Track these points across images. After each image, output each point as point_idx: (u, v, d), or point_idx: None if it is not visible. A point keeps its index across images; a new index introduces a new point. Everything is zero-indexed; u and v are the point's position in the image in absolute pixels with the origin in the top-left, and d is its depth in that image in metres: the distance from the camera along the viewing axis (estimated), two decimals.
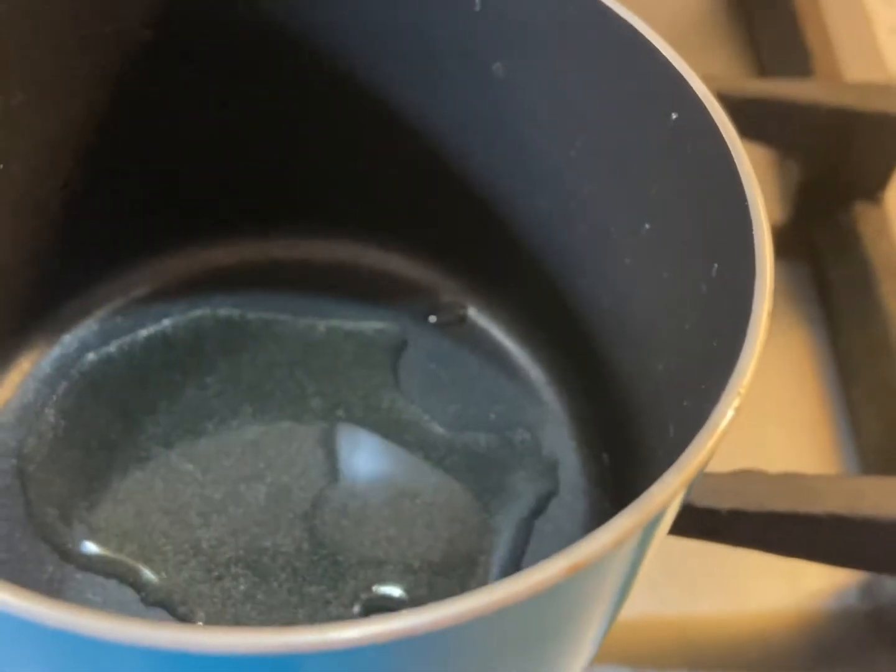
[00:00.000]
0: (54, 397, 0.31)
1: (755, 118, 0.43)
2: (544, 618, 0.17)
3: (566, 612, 0.18)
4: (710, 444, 0.17)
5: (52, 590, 0.27)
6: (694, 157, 0.23)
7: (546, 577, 0.15)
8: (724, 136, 0.22)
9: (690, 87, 0.23)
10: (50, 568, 0.28)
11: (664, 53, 0.24)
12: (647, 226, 0.26)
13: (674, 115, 0.24)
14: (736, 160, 0.21)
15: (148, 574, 0.28)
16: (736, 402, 0.17)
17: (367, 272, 0.35)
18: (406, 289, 0.35)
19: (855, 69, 0.45)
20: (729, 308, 0.21)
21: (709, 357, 0.22)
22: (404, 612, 0.14)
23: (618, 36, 0.25)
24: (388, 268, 0.35)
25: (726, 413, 0.17)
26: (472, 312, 0.35)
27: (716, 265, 0.22)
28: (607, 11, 0.25)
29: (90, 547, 0.28)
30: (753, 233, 0.20)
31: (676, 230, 0.25)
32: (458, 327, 0.35)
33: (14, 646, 0.17)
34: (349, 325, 0.34)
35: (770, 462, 0.30)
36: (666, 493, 0.16)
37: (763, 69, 0.50)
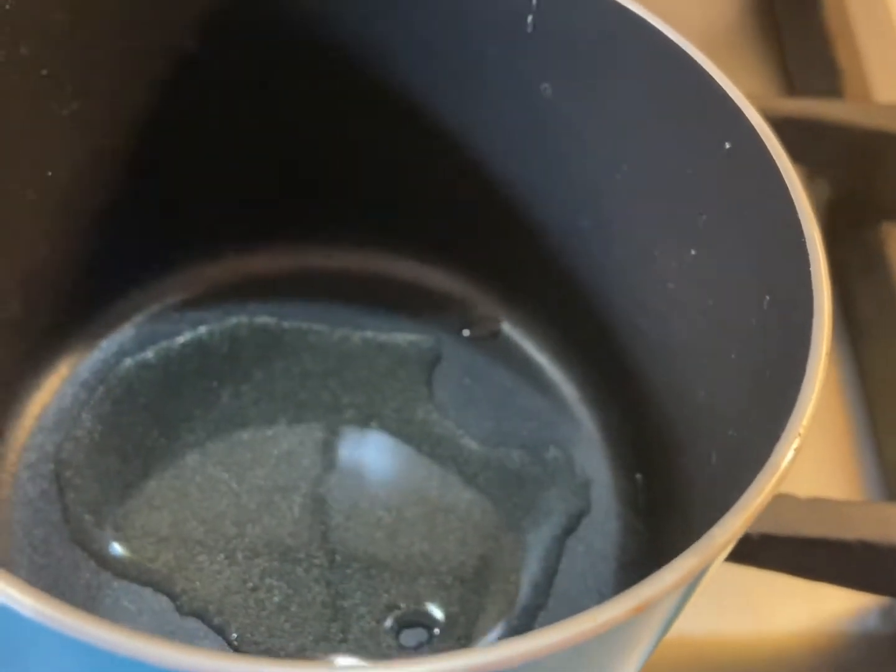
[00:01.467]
0: (91, 402, 0.31)
1: (786, 137, 0.43)
2: (602, 653, 0.17)
3: (621, 646, 0.18)
4: (772, 484, 0.17)
5: (89, 597, 0.28)
6: (747, 189, 0.24)
7: (614, 615, 0.15)
8: (781, 169, 0.22)
9: (746, 118, 0.23)
10: (86, 574, 0.28)
11: (720, 83, 0.24)
12: (693, 252, 0.26)
13: (727, 145, 0.24)
14: (793, 195, 0.21)
15: (183, 583, 0.28)
16: (796, 443, 0.18)
17: (403, 283, 0.35)
18: (441, 301, 0.35)
19: (884, 87, 0.45)
20: (782, 343, 0.22)
21: (757, 389, 0.23)
22: (484, 648, 0.14)
23: (671, 62, 0.25)
24: (424, 280, 0.35)
25: (787, 454, 0.17)
26: (506, 327, 0.35)
27: (767, 298, 0.22)
28: (661, 37, 0.25)
29: (126, 554, 0.28)
30: (811, 270, 0.20)
31: (725, 259, 0.25)
32: (491, 341, 0.35)
33: (53, 657, 0.17)
34: (383, 336, 0.34)
35: (792, 485, 0.30)
36: (728, 535, 0.16)
37: (791, 84, 0.50)
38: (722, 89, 0.24)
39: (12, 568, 0.27)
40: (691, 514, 0.26)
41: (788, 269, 0.22)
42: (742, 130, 0.23)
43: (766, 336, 0.23)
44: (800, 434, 0.18)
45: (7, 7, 0.23)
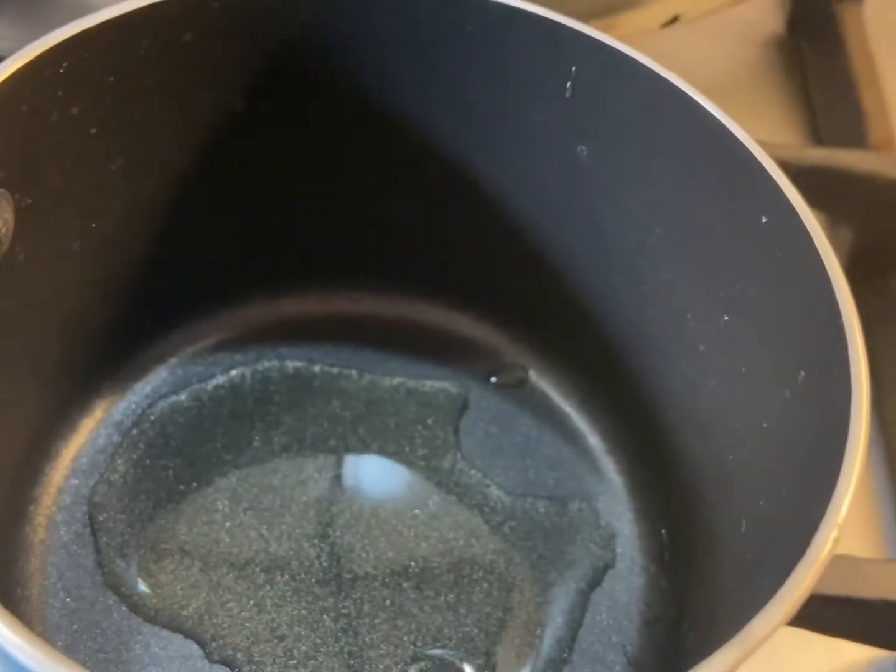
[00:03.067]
0: (125, 445, 0.31)
1: (810, 185, 0.43)
2: None
3: None
4: (810, 578, 0.17)
5: (120, 642, 0.28)
6: (783, 263, 0.24)
7: None
8: (819, 249, 0.23)
9: (784, 195, 0.24)
10: (118, 619, 0.28)
11: (759, 158, 0.24)
12: (725, 318, 0.27)
13: (764, 219, 0.24)
14: (830, 276, 0.22)
15: (213, 630, 0.29)
16: (835, 534, 0.18)
17: (431, 329, 0.36)
18: (469, 348, 0.35)
19: None
20: (817, 421, 0.22)
21: (790, 463, 0.23)
22: None
23: (708, 134, 0.25)
24: (453, 326, 0.36)
25: (825, 547, 0.18)
26: (534, 375, 0.35)
27: (802, 373, 0.23)
28: (699, 108, 0.26)
29: (157, 600, 0.29)
30: (848, 353, 0.21)
31: (759, 329, 0.25)
32: (518, 389, 0.35)
33: None
34: (412, 382, 0.34)
35: None
36: (769, 628, 0.17)
37: (816, 130, 0.50)
38: (760, 165, 0.24)
39: (46, 611, 0.28)
40: (720, 578, 0.26)
41: (824, 348, 0.22)
42: (780, 206, 0.23)
43: (801, 411, 0.23)
44: (838, 525, 0.18)
45: (61, 71, 0.23)
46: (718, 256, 0.26)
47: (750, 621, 0.17)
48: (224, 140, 0.29)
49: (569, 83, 0.27)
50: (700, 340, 0.28)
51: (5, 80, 0.22)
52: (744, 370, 0.26)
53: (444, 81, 0.28)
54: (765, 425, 0.25)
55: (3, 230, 0.23)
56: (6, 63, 0.22)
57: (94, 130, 0.25)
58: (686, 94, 0.25)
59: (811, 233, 0.23)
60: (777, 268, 0.24)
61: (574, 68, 0.27)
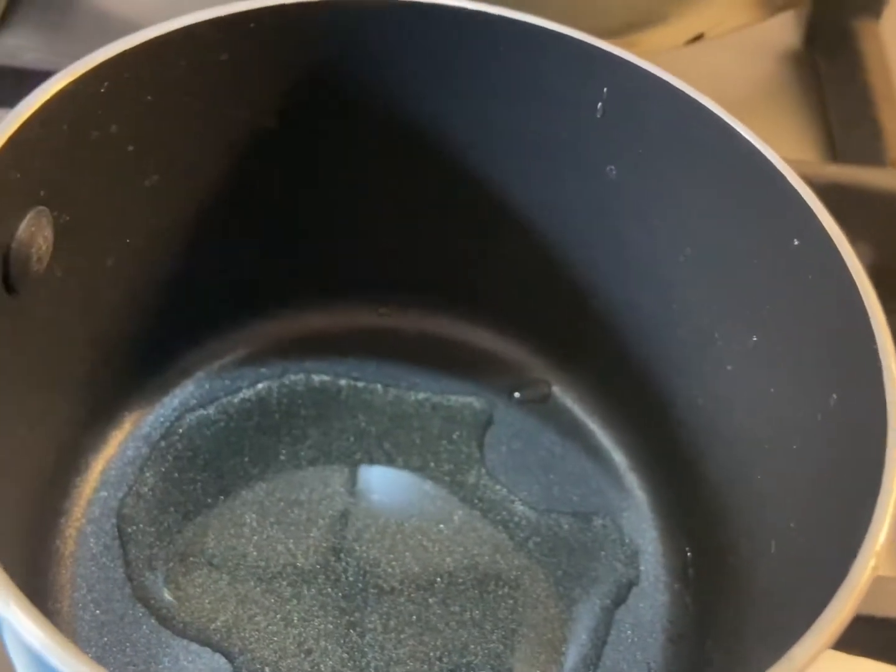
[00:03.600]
0: (154, 457, 0.32)
1: (830, 202, 0.43)
2: None
3: None
4: (850, 604, 0.17)
5: (149, 655, 0.28)
6: (815, 286, 0.24)
7: None
8: (853, 274, 0.23)
9: (817, 218, 0.24)
10: (147, 632, 0.29)
11: (792, 182, 0.24)
12: (754, 338, 0.27)
13: (796, 242, 0.24)
14: (865, 302, 0.22)
15: (241, 644, 0.29)
16: (873, 562, 0.18)
17: (456, 344, 0.36)
18: (493, 363, 0.36)
19: None
20: (850, 446, 0.22)
21: (822, 487, 0.23)
22: None
23: (742, 157, 0.25)
24: (477, 341, 0.36)
25: (864, 573, 0.18)
26: (557, 390, 0.35)
27: (834, 396, 0.23)
28: (730, 130, 0.26)
29: (185, 613, 0.29)
30: (883, 377, 0.21)
31: (789, 350, 0.25)
32: (542, 405, 0.35)
33: None
34: (437, 398, 0.35)
35: None
36: (807, 657, 0.17)
37: (833, 147, 0.50)
38: (793, 188, 0.24)
39: (76, 624, 0.28)
40: (748, 598, 0.26)
41: (857, 371, 0.22)
42: (813, 230, 0.24)
43: (833, 434, 0.23)
44: (876, 553, 0.18)
45: (102, 91, 0.23)
46: (748, 277, 0.26)
47: (792, 647, 0.17)
48: (255, 156, 0.29)
49: (600, 104, 0.27)
50: (728, 360, 0.28)
51: (49, 100, 0.22)
52: (773, 391, 0.26)
53: (473, 100, 0.28)
54: (795, 447, 0.25)
55: (44, 247, 0.23)
56: (50, 82, 0.23)
57: (130, 148, 0.25)
58: (719, 116, 0.25)
59: (844, 257, 0.23)
60: (808, 290, 0.24)
61: (605, 89, 0.27)
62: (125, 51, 0.24)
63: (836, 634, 0.17)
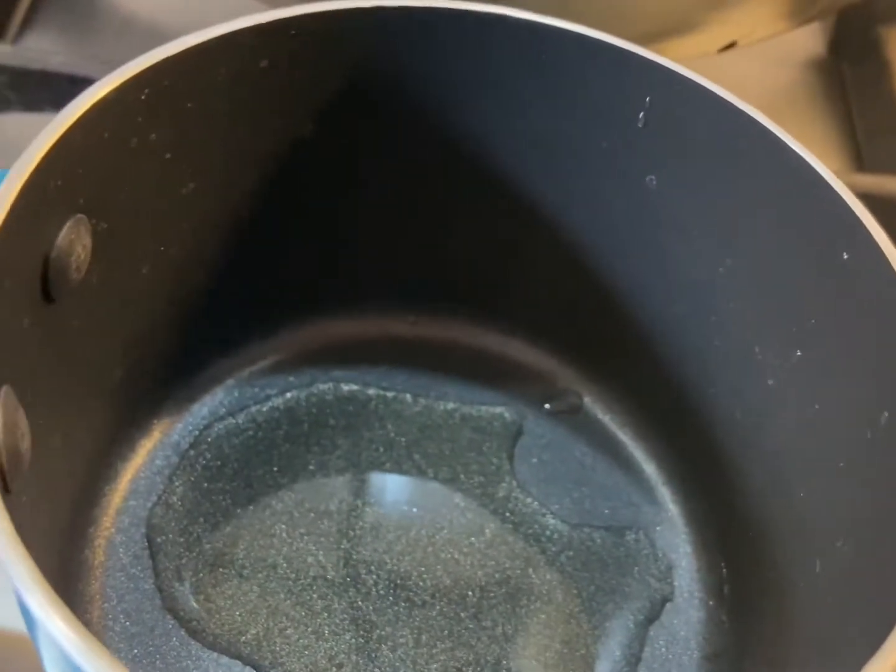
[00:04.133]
0: (183, 466, 0.31)
1: None
2: None
3: None
4: None
5: (179, 668, 0.28)
6: (865, 300, 0.24)
7: None
8: None
9: (868, 232, 0.23)
10: (177, 644, 0.28)
11: (841, 193, 0.24)
12: (798, 353, 0.26)
13: (845, 255, 0.24)
14: None
15: (271, 657, 0.28)
16: None
17: (486, 354, 0.35)
18: (523, 373, 0.35)
19: None
20: None
21: (873, 507, 0.22)
22: None
23: (788, 168, 0.25)
24: (507, 351, 0.36)
25: None
26: (588, 401, 0.35)
27: (886, 414, 0.22)
28: (777, 141, 0.25)
29: (215, 625, 0.29)
30: None
31: (836, 366, 0.25)
32: (572, 416, 0.35)
33: None
34: (466, 408, 0.34)
35: None
36: None
37: (859, 155, 0.50)
38: (843, 200, 0.24)
39: (106, 636, 0.28)
40: (790, 618, 0.25)
41: None
42: (863, 243, 0.23)
43: (884, 452, 0.22)
44: None
45: (143, 98, 0.23)
46: (792, 290, 0.26)
47: None
48: (290, 165, 0.29)
49: (642, 113, 0.27)
50: (769, 374, 0.28)
51: (90, 108, 0.22)
52: (817, 407, 0.26)
53: (512, 109, 0.28)
54: (841, 465, 0.24)
55: (83, 256, 0.23)
56: (91, 90, 0.22)
57: (168, 155, 0.25)
58: (765, 126, 0.25)
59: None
60: (857, 304, 0.24)
61: (648, 98, 0.27)
62: (166, 58, 0.23)
63: None
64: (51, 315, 0.23)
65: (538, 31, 0.26)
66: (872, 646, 0.18)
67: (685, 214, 0.28)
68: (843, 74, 0.52)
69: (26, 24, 0.48)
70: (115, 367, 0.29)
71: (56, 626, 0.17)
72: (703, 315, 0.30)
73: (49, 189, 0.22)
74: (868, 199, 0.40)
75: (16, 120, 0.41)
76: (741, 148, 0.26)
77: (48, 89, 0.42)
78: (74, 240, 0.23)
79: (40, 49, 0.47)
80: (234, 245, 0.30)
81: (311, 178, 0.29)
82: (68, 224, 0.23)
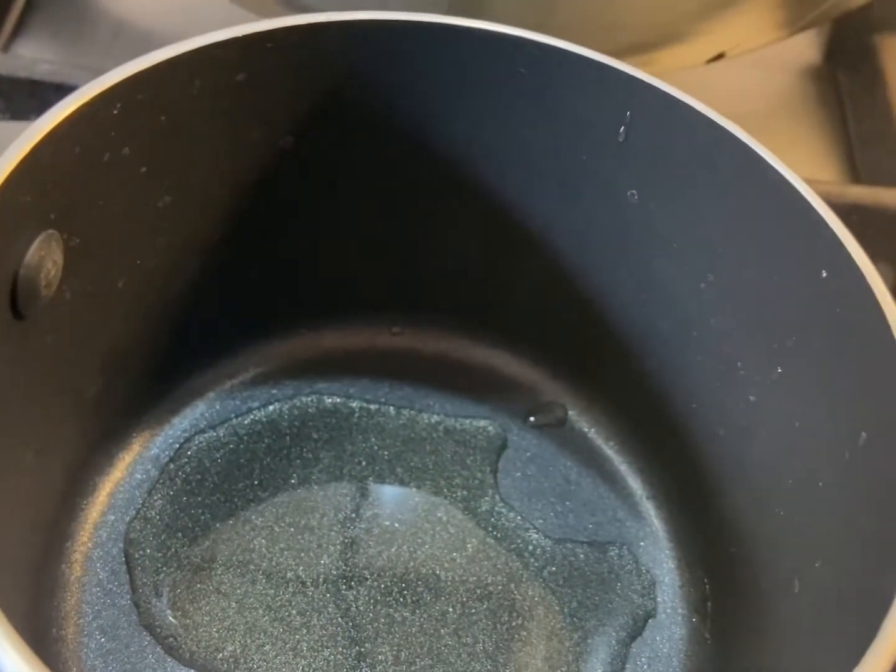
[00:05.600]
0: (162, 480, 0.31)
1: (851, 223, 0.43)
2: None
3: None
4: (885, 660, 0.17)
5: None
6: (844, 319, 0.23)
7: None
8: (882, 306, 0.22)
9: (847, 250, 0.23)
10: (153, 661, 0.28)
11: (820, 212, 0.24)
12: (779, 370, 0.26)
13: (824, 273, 0.24)
14: None
15: None
16: None
17: (469, 366, 0.35)
18: (507, 386, 0.35)
19: None
20: (880, 484, 0.21)
21: (850, 527, 0.22)
22: None
23: (769, 185, 0.25)
24: (492, 363, 0.35)
25: None
26: (573, 415, 0.35)
27: (864, 434, 0.22)
28: (756, 157, 0.25)
29: (192, 642, 0.28)
30: None
31: (815, 384, 0.25)
32: (557, 429, 0.35)
33: None
34: (450, 421, 0.34)
35: None
36: None
37: (854, 165, 0.50)
38: (822, 219, 0.23)
39: (82, 652, 0.27)
40: (770, 638, 0.25)
41: (889, 409, 0.21)
42: (841, 262, 0.23)
43: (861, 473, 0.22)
44: None
45: (115, 112, 0.23)
46: (773, 307, 0.26)
47: None
48: (270, 177, 0.28)
49: (622, 127, 0.27)
50: (751, 390, 0.27)
51: (60, 123, 0.22)
52: (798, 424, 0.25)
53: (492, 122, 0.28)
54: (821, 484, 0.24)
55: (53, 272, 0.23)
56: (61, 104, 0.22)
57: (143, 170, 0.25)
58: (745, 143, 0.24)
59: (875, 290, 0.22)
60: (836, 323, 0.23)
61: (629, 113, 0.26)
62: (139, 71, 0.23)
63: None
64: (21, 332, 0.23)
65: (517, 45, 0.26)
66: (850, 666, 0.18)
67: (667, 229, 0.28)
68: (839, 83, 0.51)
69: (17, 31, 0.48)
70: (92, 382, 0.29)
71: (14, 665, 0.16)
72: (685, 330, 0.29)
73: (18, 204, 0.21)
74: (861, 210, 0.40)
75: (2, 128, 0.41)
76: (721, 163, 0.25)
77: (35, 98, 0.42)
78: (45, 255, 0.23)
79: (29, 57, 0.46)
80: (212, 257, 0.29)
81: (289, 190, 0.29)
82: (38, 240, 0.22)
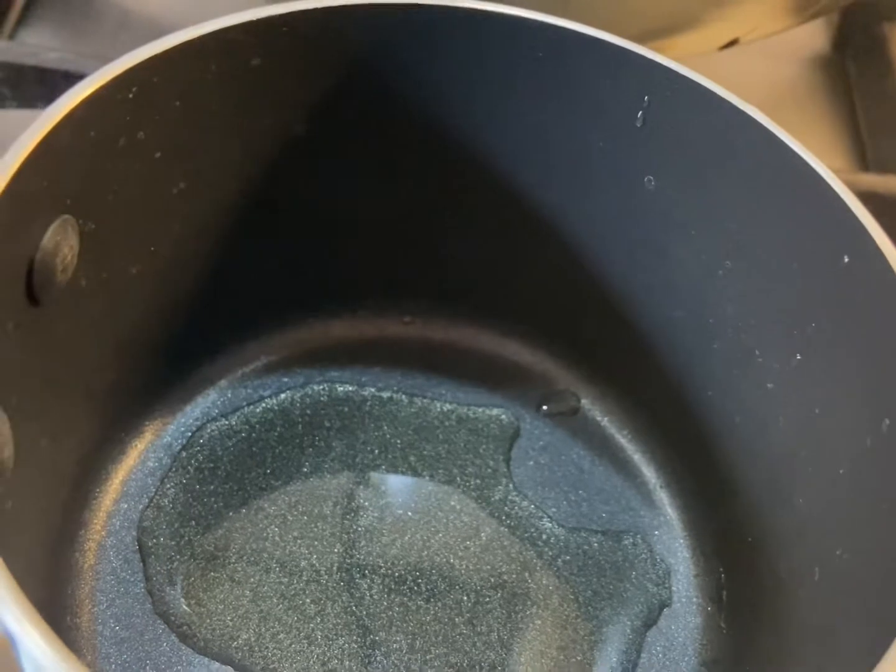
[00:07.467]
0: (175, 468, 0.31)
1: None
2: None
3: None
4: None
5: None
6: (866, 305, 0.23)
7: None
8: None
9: (870, 235, 0.23)
10: (168, 649, 0.28)
11: (843, 197, 0.23)
12: (798, 357, 0.26)
13: (846, 259, 0.24)
14: None
15: (263, 662, 0.28)
16: None
17: (482, 354, 0.35)
18: (520, 374, 0.35)
19: None
20: None
21: (873, 514, 0.22)
22: None
23: (789, 170, 0.24)
24: (504, 352, 0.35)
25: None
26: (586, 403, 0.34)
27: (887, 421, 0.22)
28: (778, 142, 0.25)
29: (206, 630, 0.28)
30: None
31: (836, 371, 0.24)
32: (570, 418, 0.34)
33: None
34: (463, 409, 0.34)
35: None
36: None
37: (863, 153, 0.49)
38: (845, 203, 0.23)
39: (96, 640, 0.27)
40: (789, 626, 0.25)
41: None
42: (864, 247, 0.23)
43: (885, 460, 0.22)
44: None
45: (130, 96, 0.23)
46: (793, 294, 0.25)
47: None
48: (283, 163, 0.28)
49: (640, 112, 0.26)
50: (769, 378, 0.27)
51: (76, 107, 0.22)
52: (817, 412, 0.25)
53: (509, 107, 0.27)
54: (841, 471, 0.24)
55: (69, 257, 0.23)
56: (77, 88, 0.22)
57: (158, 155, 0.25)
58: (766, 127, 0.24)
59: None
60: (859, 309, 0.23)
61: (646, 98, 0.26)
62: (154, 55, 0.23)
63: None
64: (37, 318, 0.23)
65: (535, 29, 0.26)
66: (872, 656, 0.18)
67: (684, 215, 0.28)
68: (848, 72, 0.51)
69: (23, 19, 0.48)
70: (106, 369, 0.28)
71: (33, 643, 0.16)
72: (702, 317, 0.29)
73: (34, 190, 0.21)
74: (872, 198, 0.40)
75: (10, 116, 0.41)
76: (741, 148, 0.25)
77: (43, 85, 0.41)
78: (61, 241, 0.22)
79: (36, 44, 0.46)
80: (226, 244, 0.29)
81: (304, 176, 0.28)
82: (54, 225, 0.22)
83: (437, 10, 0.26)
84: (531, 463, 0.33)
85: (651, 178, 0.28)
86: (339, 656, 0.28)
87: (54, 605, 0.27)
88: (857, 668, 0.18)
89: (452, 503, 0.32)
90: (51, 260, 0.22)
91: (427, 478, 0.32)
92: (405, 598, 0.30)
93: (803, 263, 0.25)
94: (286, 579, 0.30)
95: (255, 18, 0.24)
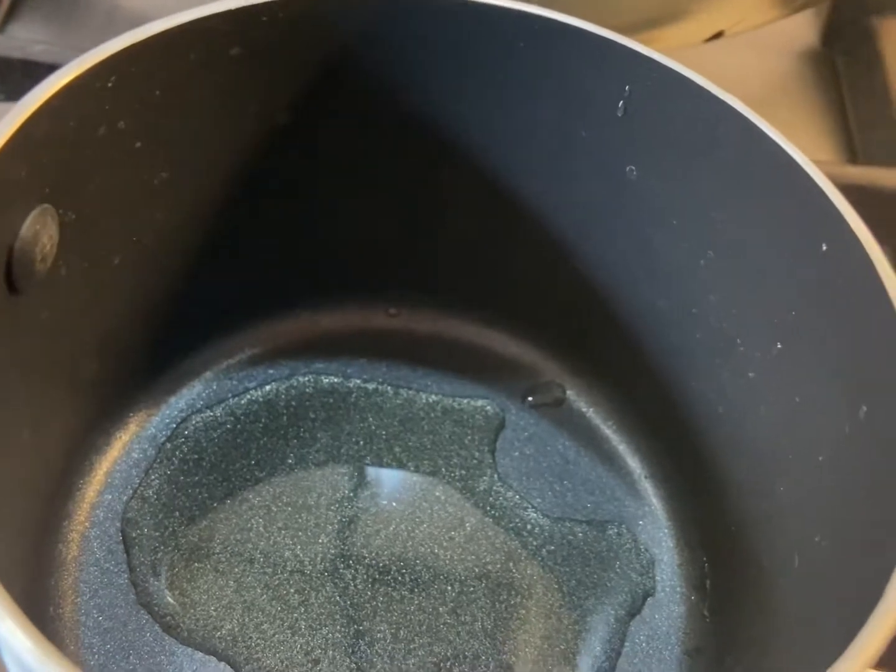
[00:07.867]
0: (159, 460, 0.31)
1: (851, 203, 0.42)
2: None
3: None
4: (889, 625, 0.17)
5: (154, 663, 0.27)
6: (844, 292, 0.23)
7: None
8: (883, 278, 0.22)
9: (847, 223, 0.23)
10: (151, 639, 0.28)
11: (821, 185, 0.23)
12: (779, 345, 0.26)
13: (824, 246, 0.24)
14: None
15: (246, 652, 0.28)
16: None
17: (468, 346, 0.35)
18: (505, 366, 0.35)
19: None
20: (880, 458, 0.21)
21: (850, 501, 0.22)
22: None
23: (769, 159, 0.25)
24: (489, 343, 0.35)
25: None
26: (571, 395, 0.35)
27: (864, 408, 0.22)
28: (757, 132, 0.25)
29: (190, 620, 0.28)
30: None
31: (815, 359, 0.24)
32: (555, 409, 0.35)
33: None
34: (448, 401, 0.34)
35: None
36: None
37: (852, 146, 0.49)
38: (822, 191, 0.23)
39: (79, 630, 0.27)
40: (771, 614, 0.25)
41: (889, 383, 0.21)
42: (842, 234, 0.23)
43: (863, 447, 0.22)
44: None
45: (109, 85, 0.23)
46: (773, 282, 0.26)
47: (829, 668, 0.16)
48: (266, 153, 0.28)
49: (621, 102, 0.26)
50: (750, 367, 0.27)
51: (54, 95, 0.22)
52: (798, 400, 0.25)
53: (490, 97, 0.27)
54: (821, 458, 0.24)
55: (49, 247, 0.23)
56: (56, 76, 0.22)
57: (138, 144, 0.25)
58: (746, 117, 0.24)
59: (875, 263, 0.22)
60: (837, 297, 0.23)
61: (628, 87, 0.26)
62: (133, 44, 0.23)
63: (875, 655, 0.16)
64: (16, 307, 0.23)
65: (517, 19, 0.26)
66: (850, 640, 0.18)
67: (666, 205, 0.28)
68: (836, 65, 0.51)
69: (12, 13, 0.48)
70: (88, 359, 0.28)
71: (12, 634, 0.16)
72: (684, 307, 0.29)
73: (12, 178, 0.21)
74: (859, 190, 0.40)
75: None
76: (722, 138, 0.25)
77: (30, 78, 0.41)
78: (40, 230, 0.22)
79: (24, 38, 0.46)
80: (209, 235, 0.29)
81: (286, 166, 0.28)
82: (33, 214, 0.22)
83: (419, 0, 0.26)
84: (516, 454, 0.33)
85: (633, 167, 0.28)
86: (323, 646, 0.29)
87: (37, 596, 0.27)
88: (837, 653, 0.18)
89: (437, 494, 0.32)
90: (30, 249, 0.22)
91: (412, 469, 0.32)
92: (389, 589, 0.30)
93: (783, 251, 0.25)
94: (270, 570, 0.30)
95: (234, 7, 0.24)
